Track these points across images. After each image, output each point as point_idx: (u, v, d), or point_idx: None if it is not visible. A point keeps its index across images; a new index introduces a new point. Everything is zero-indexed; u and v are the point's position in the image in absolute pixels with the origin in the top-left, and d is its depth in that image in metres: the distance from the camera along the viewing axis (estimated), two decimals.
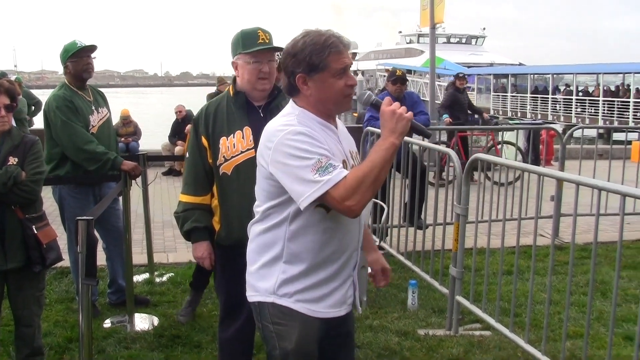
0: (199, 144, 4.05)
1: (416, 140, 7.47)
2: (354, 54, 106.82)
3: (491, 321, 5.43)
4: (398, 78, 8.78)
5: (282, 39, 3.55)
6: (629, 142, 15.05)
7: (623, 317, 5.97)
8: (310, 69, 2.82)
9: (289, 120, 2.82)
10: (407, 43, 79.40)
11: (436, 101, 18.06)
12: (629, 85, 38.36)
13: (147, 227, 7.49)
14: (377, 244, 7.66)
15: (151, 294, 6.71)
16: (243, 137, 3.95)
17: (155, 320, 5.99)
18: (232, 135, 3.96)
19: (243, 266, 4.03)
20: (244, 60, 4.01)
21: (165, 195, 12.58)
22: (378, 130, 8.02)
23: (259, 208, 2.98)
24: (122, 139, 15.01)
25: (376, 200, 7.29)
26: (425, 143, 7.60)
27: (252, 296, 3.03)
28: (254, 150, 3.89)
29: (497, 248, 6.02)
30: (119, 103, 22.84)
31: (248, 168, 3.82)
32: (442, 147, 7.93)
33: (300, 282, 2.90)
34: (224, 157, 3.96)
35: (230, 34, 4.20)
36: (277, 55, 4.13)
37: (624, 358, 5.13)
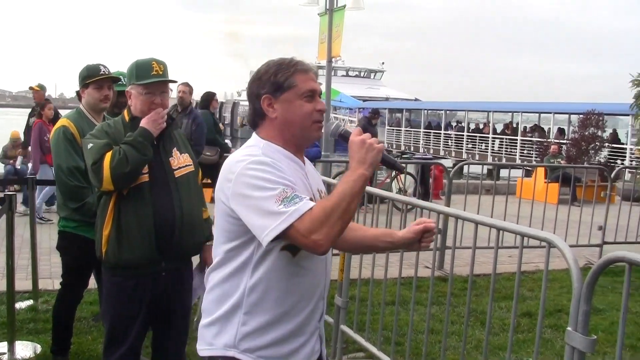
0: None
1: None
2: None
3: (374, 350, 5.54)
4: None
5: (176, 69, 3.58)
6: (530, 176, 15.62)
7: (500, 345, 6.20)
8: (275, 88, 2.65)
9: (252, 151, 2.61)
10: None
11: None
12: (517, 124, 39.79)
13: (33, 253, 7.31)
14: None
15: (34, 321, 6.54)
16: None
17: (38, 348, 5.84)
18: None
19: (130, 290, 4.05)
20: (137, 91, 4.05)
21: (53, 219, 12.27)
22: None
23: (217, 250, 2.70)
24: (11, 161, 14.61)
25: None
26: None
27: (205, 350, 2.71)
28: (147, 175, 3.97)
29: (381, 279, 6.17)
30: (10, 124, 22.23)
31: (145, 190, 3.96)
32: (331, 180, 8.03)
33: (263, 336, 2.62)
34: None
35: (127, 61, 4.25)
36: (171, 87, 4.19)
37: None
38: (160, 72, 4.06)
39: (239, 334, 2.61)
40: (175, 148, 4.20)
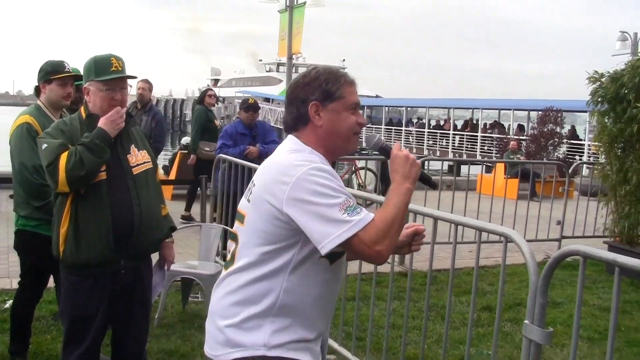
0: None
1: None
2: (216, 80, 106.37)
3: (335, 345, 5.57)
4: (250, 106, 8.90)
5: (134, 66, 3.54)
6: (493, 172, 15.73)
7: (461, 339, 6.25)
8: (325, 96, 2.66)
9: (307, 157, 2.59)
10: (267, 72, 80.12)
11: None
12: (477, 120, 40.12)
13: None
14: None
15: None
16: None
17: None
18: None
19: (88, 288, 4.01)
20: (97, 87, 4.00)
21: (11, 218, 12.10)
22: (229, 157, 8.12)
23: (249, 251, 2.63)
24: None
25: (226, 227, 7.34)
26: None
27: (231, 353, 2.65)
28: (105, 172, 3.93)
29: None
30: None
31: (103, 188, 3.92)
32: None
33: (291, 334, 2.62)
34: None
35: (86, 56, 4.12)
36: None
37: None
38: (120, 68, 4.03)
39: (269, 334, 2.60)
40: (133, 145, 4.16)
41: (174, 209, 12.82)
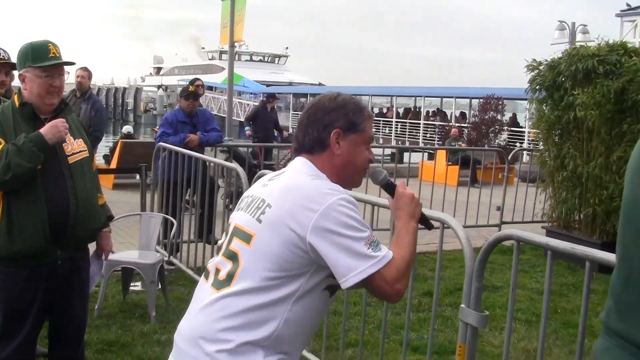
0: None
1: (206, 157, 7.58)
2: (159, 69, 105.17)
3: None
4: (190, 94, 8.83)
5: (74, 52, 3.46)
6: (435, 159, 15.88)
7: (402, 324, 6.29)
8: (349, 126, 2.61)
9: (332, 185, 2.53)
10: (210, 59, 79.65)
11: (234, 118, 18.37)
12: (419, 108, 40.44)
13: None
14: (167, 259, 7.67)
15: None
16: None
17: None
18: None
19: (24, 281, 3.94)
20: (34, 74, 3.92)
21: None
22: (169, 146, 8.06)
23: (254, 274, 2.48)
24: None
25: (166, 216, 7.29)
26: (215, 159, 7.71)
27: None
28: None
29: None
30: None
31: (37, 178, 3.83)
32: (229, 164, 7.99)
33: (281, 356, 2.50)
34: None
35: (19, 43, 4.05)
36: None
37: None
38: (57, 55, 3.96)
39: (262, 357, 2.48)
40: (68, 133, 4.10)
41: (116, 198, 12.73)
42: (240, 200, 2.75)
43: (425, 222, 2.83)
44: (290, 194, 2.50)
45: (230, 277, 2.52)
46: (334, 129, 2.60)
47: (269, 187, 2.61)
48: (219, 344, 2.46)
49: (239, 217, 2.63)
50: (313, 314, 2.56)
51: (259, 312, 2.45)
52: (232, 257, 2.55)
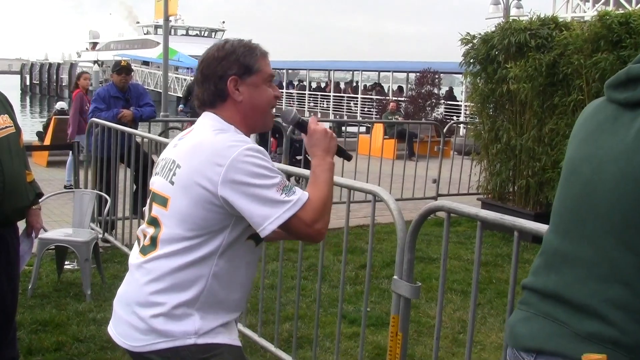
0: None
1: (140, 132, 7.49)
2: (95, 44, 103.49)
3: None
4: (123, 68, 8.71)
5: (5, 26, 3.36)
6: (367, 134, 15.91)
7: (338, 297, 6.32)
8: (243, 70, 2.56)
9: (237, 136, 2.51)
10: (145, 34, 78.62)
11: (171, 93, 18.24)
12: (357, 82, 40.54)
13: None
14: (102, 236, 7.57)
15: None
16: None
17: None
18: None
19: None
20: None
21: None
22: (102, 122, 7.93)
23: (173, 237, 2.50)
24: None
25: (100, 192, 7.20)
26: (149, 135, 7.62)
27: (156, 343, 2.50)
28: None
29: None
30: None
31: None
32: (163, 139, 7.88)
33: (219, 318, 2.53)
34: None
35: None
36: None
37: (334, 334, 5.46)
38: None
39: (199, 322, 2.49)
40: None
41: (50, 175, 12.52)
42: (156, 164, 2.75)
43: (342, 153, 2.83)
44: (196, 152, 2.49)
45: (154, 242, 2.54)
46: (229, 77, 2.56)
47: (178, 147, 2.61)
48: (152, 308, 2.49)
49: (156, 182, 2.65)
50: (241, 265, 2.57)
51: (186, 271, 2.47)
52: (154, 222, 2.57)
